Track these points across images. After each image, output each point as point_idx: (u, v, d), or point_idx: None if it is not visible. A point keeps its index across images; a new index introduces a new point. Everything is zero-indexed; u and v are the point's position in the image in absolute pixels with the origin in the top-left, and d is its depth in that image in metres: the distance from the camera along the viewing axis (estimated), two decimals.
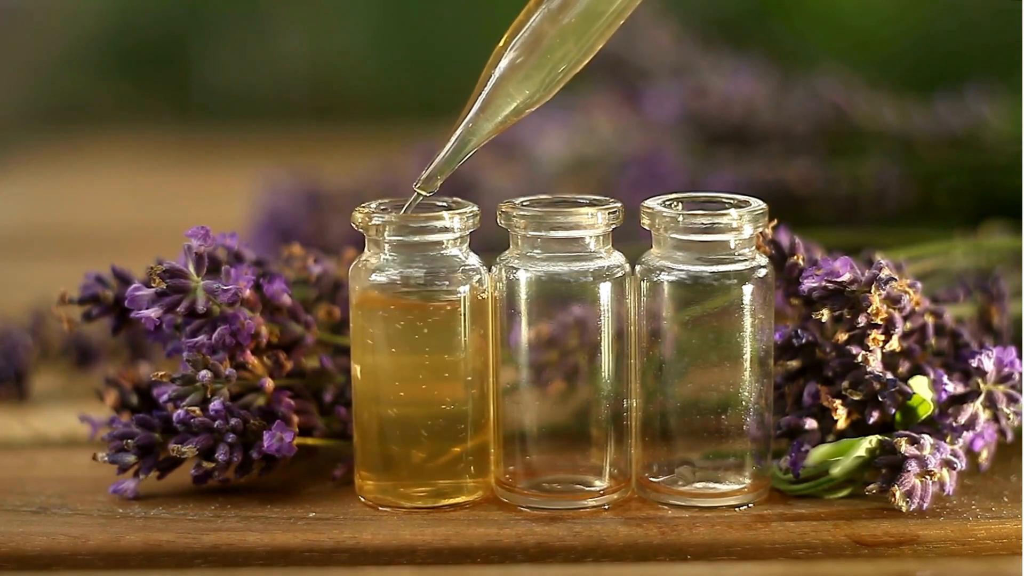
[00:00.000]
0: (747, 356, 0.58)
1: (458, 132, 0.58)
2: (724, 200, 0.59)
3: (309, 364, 0.62)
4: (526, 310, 0.58)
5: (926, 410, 0.59)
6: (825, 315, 0.59)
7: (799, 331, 0.60)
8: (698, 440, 0.59)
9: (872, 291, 0.58)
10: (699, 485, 0.59)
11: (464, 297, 0.58)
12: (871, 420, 0.59)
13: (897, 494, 0.57)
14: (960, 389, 0.59)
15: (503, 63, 0.58)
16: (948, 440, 0.59)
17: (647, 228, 0.59)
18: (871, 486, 0.58)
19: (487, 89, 0.58)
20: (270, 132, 1.51)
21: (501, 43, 0.58)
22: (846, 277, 0.58)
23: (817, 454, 0.59)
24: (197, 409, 0.59)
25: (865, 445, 0.58)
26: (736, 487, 0.59)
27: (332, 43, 1.78)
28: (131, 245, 1.06)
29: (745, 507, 0.59)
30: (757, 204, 0.58)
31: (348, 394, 0.62)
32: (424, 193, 0.59)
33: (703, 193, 0.60)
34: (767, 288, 0.58)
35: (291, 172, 0.97)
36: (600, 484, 0.59)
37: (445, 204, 0.59)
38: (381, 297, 0.58)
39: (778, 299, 0.60)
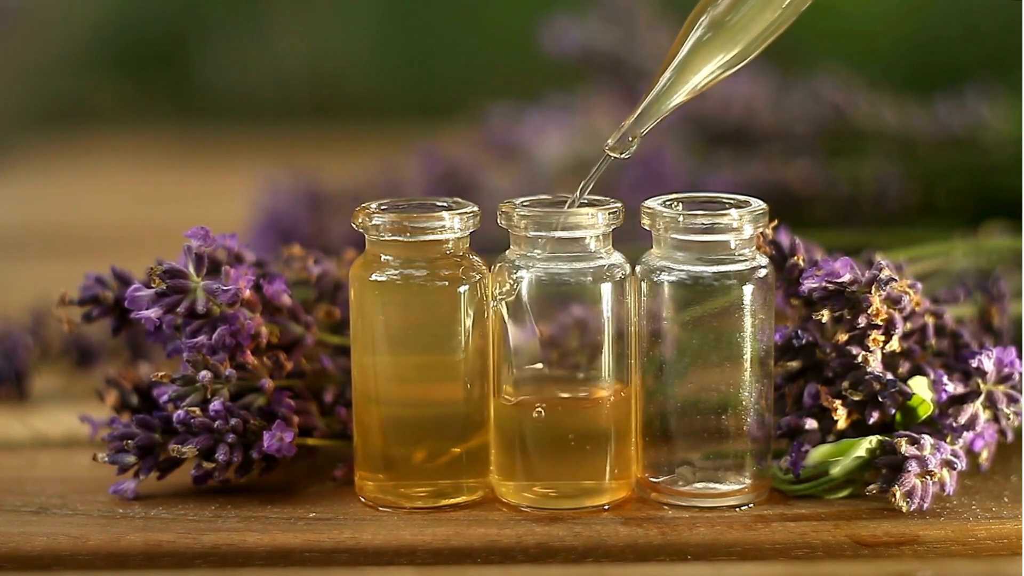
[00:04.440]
0: (747, 356, 0.58)
1: (653, 93, 0.57)
2: (724, 200, 0.59)
3: (309, 364, 0.62)
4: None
5: (926, 410, 0.59)
6: (825, 316, 0.59)
7: (799, 332, 0.59)
8: (698, 440, 0.58)
9: (872, 292, 0.58)
10: (699, 485, 0.59)
11: (464, 296, 0.58)
12: (871, 420, 0.59)
13: (897, 494, 0.57)
14: (960, 389, 0.59)
15: (702, 24, 0.56)
16: (948, 440, 0.59)
17: (647, 228, 0.59)
18: (871, 486, 0.58)
19: (684, 51, 0.57)
20: (270, 132, 1.51)
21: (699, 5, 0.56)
22: (846, 278, 0.58)
23: (817, 454, 0.59)
24: (197, 409, 0.59)
25: (865, 445, 0.58)
26: (736, 487, 0.59)
27: (332, 43, 1.78)
28: (131, 245, 1.06)
29: (745, 507, 0.59)
30: (757, 204, 0.58)
31: (348, 394, 0.62)
32: (615, 156, 0.58)
33: (703, 193, 0.60)
34: (767, 288, 0.58)
35: (291, 172, 0.97)
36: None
37: (445, 204, 0.59)
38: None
39: (778, 300, 0.60)
